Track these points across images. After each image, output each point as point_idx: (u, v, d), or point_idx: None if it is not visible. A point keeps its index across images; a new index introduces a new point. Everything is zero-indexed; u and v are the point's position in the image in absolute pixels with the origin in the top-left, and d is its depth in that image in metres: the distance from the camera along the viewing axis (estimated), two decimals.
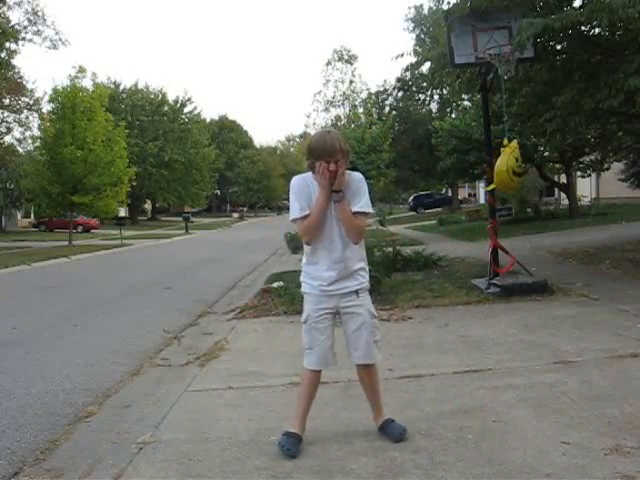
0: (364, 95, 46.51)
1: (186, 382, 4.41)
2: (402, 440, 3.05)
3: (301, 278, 3.18)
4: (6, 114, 26.40)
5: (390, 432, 3.10)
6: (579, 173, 22.94)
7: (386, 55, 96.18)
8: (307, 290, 3.12)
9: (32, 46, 54.56)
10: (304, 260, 3.16)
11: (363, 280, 3.10)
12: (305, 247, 3.14)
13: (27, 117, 26.31)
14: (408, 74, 33.07)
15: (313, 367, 3.12)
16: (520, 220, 20.56)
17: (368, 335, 3.06)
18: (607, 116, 9.91)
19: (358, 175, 3.10)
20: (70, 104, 24.16)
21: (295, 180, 3.10)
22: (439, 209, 42.14)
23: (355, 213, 2.99)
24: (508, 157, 6.67)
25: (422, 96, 42.20)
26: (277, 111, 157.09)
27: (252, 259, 15.44)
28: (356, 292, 3.06)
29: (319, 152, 2.94)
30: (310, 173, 3.05)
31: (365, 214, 3.02)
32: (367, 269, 3.17)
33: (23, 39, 24.91)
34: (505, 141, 6.84)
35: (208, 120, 67.62)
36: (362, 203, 3.00)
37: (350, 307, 3.06)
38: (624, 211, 20.57)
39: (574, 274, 8.42)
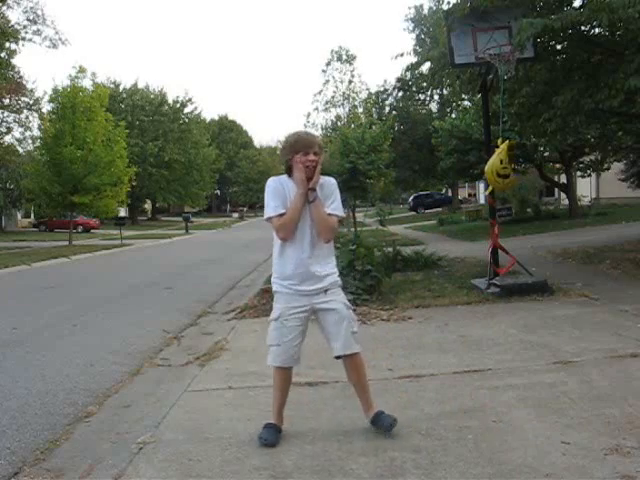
0: (364, 95, 46.50)
1: (186, 382, 4.41)
2: (392, 428, 3.10)
3: (272, 278, 3.26)
4: (6, 114, 26.39)
5: (380, 424, 3.15)
6: (579, 173, 22.97)
7: (386, 55, 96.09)
8: (278, 289, 3.20)
9: (32, 46, 54.60)
10: (274, 259, 3.23)
11: (333, 279, 3.19)
12: (275, 246, 3.21)
13: (27, 117, 26.29)
14: (408, 74, 33.06)
15: (278, 364, 3.19)
16: (520, 220, 20.57)
17: (347, 327, 3.14)
18: (607, 116, 9.92)
19: (332, 179, 3.25)
20: (70, 104, 24.15)
21: (270, 181, 3.22)
22: (439, 209, 42.13)
23: (329, 215, 3.11)
24: (494, 159, 6.73)
25: (422, 96, 42.22)
26: (277, 111, 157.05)
27: (252, 259, 15.44)
28: (325, 291, 3.14)
29: (300, 144, 3.11)
30: (285, 176, 3.19)
31: (337, 217, 3.16)
32: (335, 266, 3.26)
33: (23, 39, 24.88)
34: (499, 141, 6.87)
35: (208, 120, 67.62)
36: (335, 205, 3.15)
37: (324, 303, 3.13)
38: (624, 211, 20.59)
39: (574, 274, 8.42)
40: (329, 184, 3.19)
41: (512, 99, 9.35)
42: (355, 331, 3.19)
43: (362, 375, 3.25)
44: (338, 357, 3.20)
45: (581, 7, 7.60)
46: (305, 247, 3.11)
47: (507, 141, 6.94)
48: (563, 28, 6.78)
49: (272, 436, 3.13)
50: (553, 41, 8.49)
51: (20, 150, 29.37)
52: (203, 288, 10.31)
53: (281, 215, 3.07)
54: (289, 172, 3.15)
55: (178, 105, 53.71)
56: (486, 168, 6.87)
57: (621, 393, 3.55)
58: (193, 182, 52.70)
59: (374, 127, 26.01)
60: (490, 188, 7.23)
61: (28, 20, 24.50)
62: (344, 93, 48.29)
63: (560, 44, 8.68)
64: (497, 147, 6.85)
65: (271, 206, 3.11)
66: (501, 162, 6.70)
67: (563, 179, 23.58)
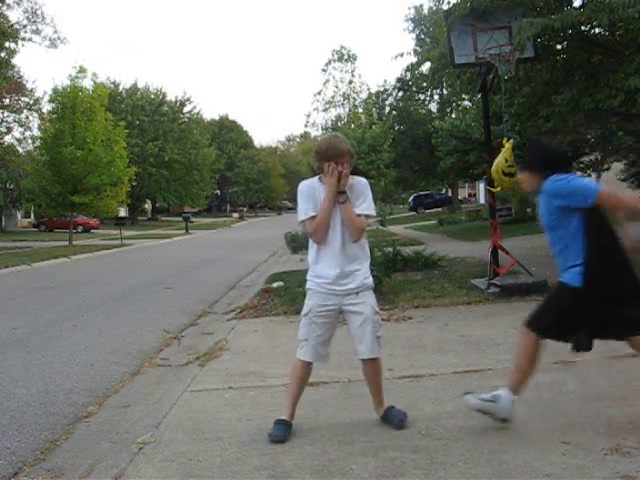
0: (364, 95, 46.56)
1: (186, 382, 4.41)
2: (403, 426, 3.20)
3: (307, 276, 3.35)
4: (6, 114, 26.40)
5: (391, 419, 3.26)
6: (579, 173, 22.96)
7: (386, 55, 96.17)
8: (312, 287, 3.30)
9: (32, 45, 54.59)
10: (310, 259, 3.33)
11: (365, 280, 3.26)
12: (310, 247, 3.32)
13: (27, 117, 26.34)
14: (408, 74, 33.07)
15: (306, 359, 3.28)
16: (520, 220, 20.56)
17: (371, 330, 3.22)
18: (607, 116, 9.91)
19: (363, 180, 3.33)
20: (70, 104, 24.14)
21: (302, 185, 3.31)
22: (439, 209, 42.12)
23: (359, 215, 3.20)
24: (499, 158, 6.74)
25: (422, 96, 42.25)
26: (277, 111, 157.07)
27: (252, 259, 15.44)
28: (357, 293, 3.22)
29: (331, 153, 3.17)
30: (316, 178, 3.27)
31: (367, 216, 3.26)
32: (369, 269, 3.33)
33: (22, 39, 24.92)
34: (504, 141, 6.87)
35: (209, 120, 67.62)
36: (365, 205, 3.23)
37: (353, 305, 3.21)
38: None
39: None
40: (359, 184, 3.26)
41: (512, 99, 9.35)
42: (379, 335, 3.27)
43: (379, 376, 3.37)
44: (364, 360, 3.29)
45: (581, 7, 7.60)
46: (338, 247, 3.18)
47: (511, 140, 6.96)
48: (563, 28, 6.79)
49: (281, 432, 3.18)
50: (553, 41, 8.49)
51: (20, 150, 29.40)
52: (203, 288, 10.32)
53: (312, 218, 3.18)
54: (321, 171, 3.22)
55: (177, 104, 53.71)
56: (492, 168, 6.84)
57: (621, 393, 3.55)
58: (193, 182, 52.66)
59: (374, 127, 26.00)
60: (498, 187, 7.23)
61: (28, 19, 24.54)
62: (344, 93, 48.33)
63: (560, 44, 8.69)
64: (502, 146, 6.85)
65: (303, 209, 3.22)
66: (506, 161, 6.71)
67: None
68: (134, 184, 29.28)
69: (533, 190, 3.26)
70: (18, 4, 24.31)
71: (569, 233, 3.05)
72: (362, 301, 3.22)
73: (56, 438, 3.51)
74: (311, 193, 3.22)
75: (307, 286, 3.34)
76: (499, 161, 6.74)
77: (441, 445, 2.98)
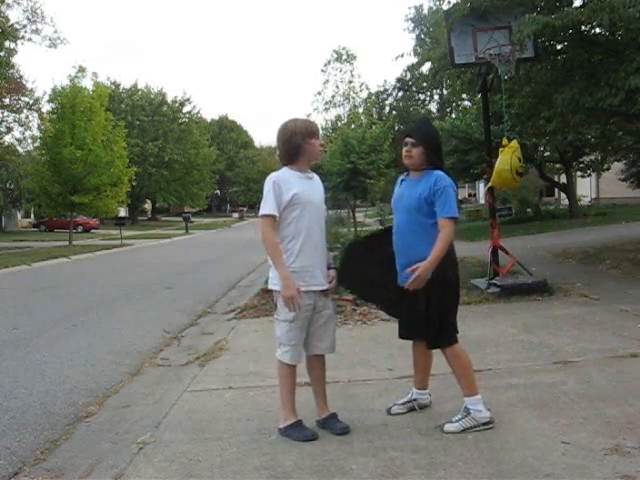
0: (364, 95, 46.55)
1: (186, 382, 4.41)
2: (346, 434, 3.15)
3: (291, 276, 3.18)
4: (6, 114, 26.35)
5: (332, 427, 3.22)
6: (579, 173, 22.99)
7: (386, 55, 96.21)
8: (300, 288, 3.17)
9: (32, 45, 54.51)
10: (292, 259, 3.14)
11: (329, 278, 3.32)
12: (291, 246, 3.14)
13: (27, 117, 26.25)
14: (408, 74, 33.12)
15: (295, 362, 3.24)
16: (520, 220, 20.58)
17: (334, 328, 3.32)
18: (607, 115, 9.91)
19: (319, 180, 3.40)
20: (70, 104, 24.15)
21: (269, 179, 3.22)
22: None
23: None
24: (511, 157, 6.66)
25: (422, 96, 42.31)
26: (277, 111, 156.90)
27: (252, 259, 15.42)
28: (326, 290, 3.24)
29: (312, 129, 3.26)
30: (285, 169, 3.22)
31: None
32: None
33: (22, 38, 24.86)
34: (504, 141, 6.84)
35: (208, 120, 67.62)
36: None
37: (323, 303, 3.23)
38: (624, 211, 20.59)
39: (574, 274, 8.42)
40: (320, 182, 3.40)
41: (512, 99, 9.34)
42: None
43: (325, 373, 3.38)
44: (315, 355, 3.30)
45: (581, 7, 7.60)
46: (318, 239, 3.20)
47: (515, 139, 6.95)
48: (564, 27, 6.79)
49: (308, 431, 3.16)
50: (553, 41, 8.50)
51: (20, 150, 29.33)
52: (203, 288, 10.32)
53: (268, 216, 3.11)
54: (297, 156, 3.19)
55: (177, 104, 53.73)
56: (501, 167, 6.64)
57: (621, 393, 3.55)
58: (193, 182, 52.70)
59: (374, 127, 25.98)
60: (489, 184, 7.22)
61: (27, 19, 24.48)
62: (344, 93, 48.24)
63: (560, 44, 8.69)
64: (502, 146, 6.80)
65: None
66: (519, 160, 6.68)
67: (563, 179, 23.60)
68: (134, 184, 29.28)
69: (414, 166, 3.28)
70: (18, 3, 24.21)
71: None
72: (328, 298, 3.26)
73: (56, 438, 3.51)
74: (277, 190, 3.11)
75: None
76: (513, 161, 6.62)
77: (441, 445, 2.98)
